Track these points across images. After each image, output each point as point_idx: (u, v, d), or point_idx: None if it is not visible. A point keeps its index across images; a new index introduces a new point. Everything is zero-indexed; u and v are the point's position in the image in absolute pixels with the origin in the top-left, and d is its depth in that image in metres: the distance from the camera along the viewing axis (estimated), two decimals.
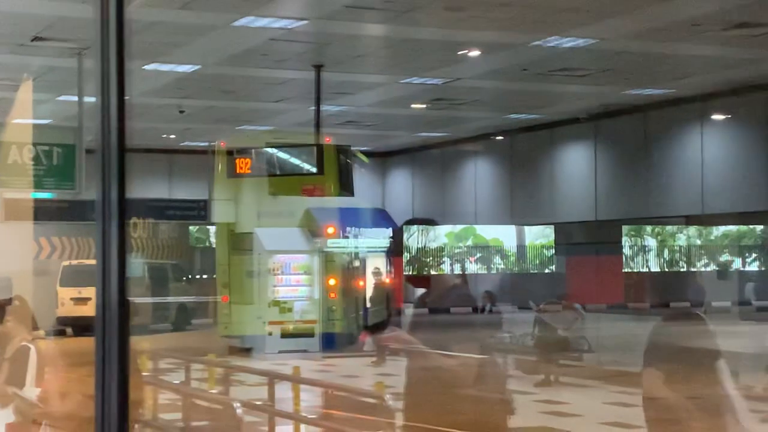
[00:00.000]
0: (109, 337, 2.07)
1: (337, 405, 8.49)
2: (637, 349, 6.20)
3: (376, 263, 22.41)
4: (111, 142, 2.07)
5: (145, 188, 30.22)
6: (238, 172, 20.52)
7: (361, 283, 21.50)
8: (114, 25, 2.05)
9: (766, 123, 21.42)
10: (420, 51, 17.55)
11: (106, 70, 2.05)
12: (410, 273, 27.46)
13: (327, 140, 19.49)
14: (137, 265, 27.34)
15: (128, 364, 2.07)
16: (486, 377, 6.42)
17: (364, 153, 31.52)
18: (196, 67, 18.89)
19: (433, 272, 29.97)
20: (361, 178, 29.03)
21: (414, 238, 30.66)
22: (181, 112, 23.40)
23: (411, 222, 24.04)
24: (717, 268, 26.22)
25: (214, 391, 12.06)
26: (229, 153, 19.69)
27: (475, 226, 31.79)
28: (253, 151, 20.64)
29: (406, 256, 25.69)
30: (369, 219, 27.50)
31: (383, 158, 33.27)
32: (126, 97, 2.07)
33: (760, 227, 30.10)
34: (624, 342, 16.31)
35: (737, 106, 21.88)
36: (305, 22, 15.40)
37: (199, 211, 29.88)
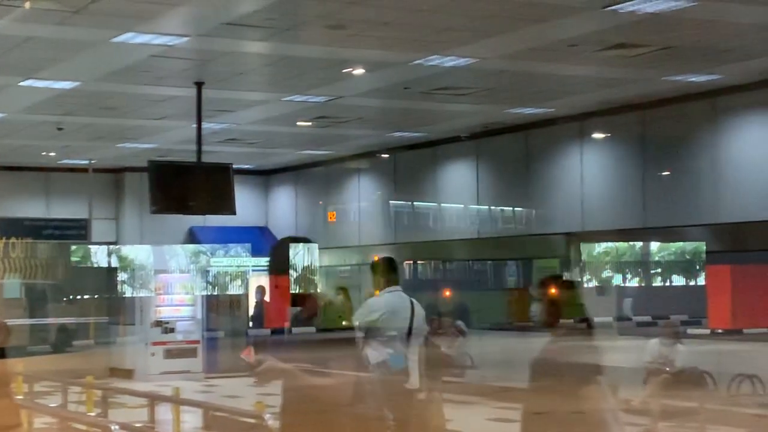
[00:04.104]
0: None
1: (217, 426, 8.39)
2: (519, 366, 6.25)
3: (260, 282, 22.28)
4: None
5: (20, 207, 29.61)
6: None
7: (244, 301, 21.36)
8: None
9: (641, 141, 21.93)
10: (302, 69, 17.54)
11: None
12: (296, 291, 27.28)
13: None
14: (14, 286, 26.70)
15: None
16: (367, 395, 6.40)
17: (248, 171, 31.41)
18: (76, 84, 18.56)
19: (321, 291, 29.80)
20: (245, 196, 28.87)
21: (300, 256, 30.53)
22: (60, 129, 22.96)
23: (284, 240, 23.84)
24: (597, 284, 26.68)
25: (92, 414, 11.81)
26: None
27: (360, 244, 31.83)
28: None
29: (293, 274, 25.52)
30: (251, 238, 27.34)
31: (266, 176, 33.15)
32: None
33: (639, 244, 30.72)
34: (507, 358, 16.50)
35: (614, 125, 22.35)
36: (186, 39, 15.25)
37: (79, 230, 29.37)
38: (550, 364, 6.02)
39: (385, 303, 8.16)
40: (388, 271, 8.62)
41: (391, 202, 28.78)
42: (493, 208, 25.71)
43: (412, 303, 8.28)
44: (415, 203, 27.95)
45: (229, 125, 23.17)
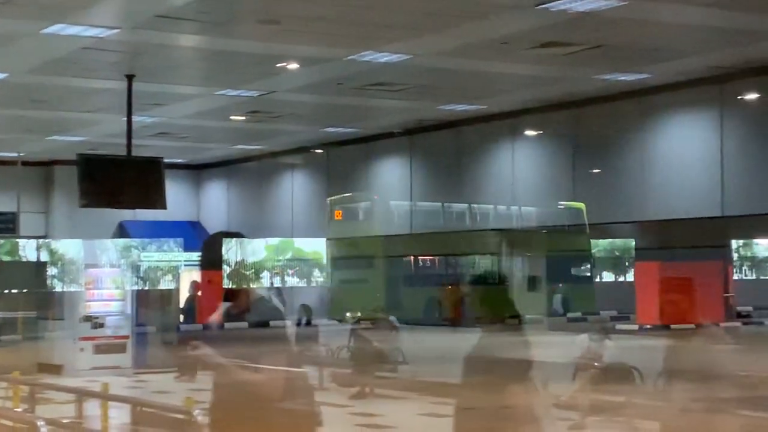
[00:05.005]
0: None
1: (146, 421, 8.33)
2: (451, 361, 6.28)
3: (192, 277, 22.13)
4: None
5: None
6: None
7: (175, 296, 21.21)
8: None
9: (572, 139, 22.14)
10: (235, 63, 17.45)
11: None
12: (229, 287, 27.17)
13: None
14: None
15: None
16: (297, 390, 6.40)
17: (179, 165, 31.19)
18: (4, 75, 18.31)
19: (252, 286, 29.74)
20: (176, 191, 28.68)
21: (233, 251, 30.47)
22: None
23: (217, 235, 24.16)
24: (527, 281, 26.90)
25: (19, 409, 11.63)
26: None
27: (294, 239, 31.78)
28: None
29: (225, 269, 25.46)
30: (183, 232, 27.19)
31: (198, 171, 32.93)
32: None
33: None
34: (439, 354, 16.55)
35: (545, 123, 22.55)
36: (117, 31, 15.09)
37: (7, 224, 28.94)
38: (482, 359, 6.06)
39: None
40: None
41: (324, 197, 28.75)
42: (426, 204, 25.79)
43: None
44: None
45: (160, 119, 22.98)
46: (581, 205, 21.84)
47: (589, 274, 31.56)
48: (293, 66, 17.73)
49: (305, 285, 32.78)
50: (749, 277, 34.23)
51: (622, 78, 19.16)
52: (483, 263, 27.00)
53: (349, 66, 17.60)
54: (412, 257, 31.12)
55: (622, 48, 16.71)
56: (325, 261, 32.28)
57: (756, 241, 34.14)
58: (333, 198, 27.26)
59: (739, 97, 19.08)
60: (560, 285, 28.83)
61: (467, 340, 6.07)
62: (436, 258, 31.28)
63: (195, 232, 30.82)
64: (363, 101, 21.29)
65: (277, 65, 17.67)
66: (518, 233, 24.59)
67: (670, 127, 20.30)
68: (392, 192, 26.59)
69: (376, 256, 28.37)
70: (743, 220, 21.57)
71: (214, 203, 32.86)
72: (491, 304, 6.12)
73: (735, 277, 29.40)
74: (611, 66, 18.10)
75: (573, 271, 30.81)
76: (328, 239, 28.43)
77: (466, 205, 24.35)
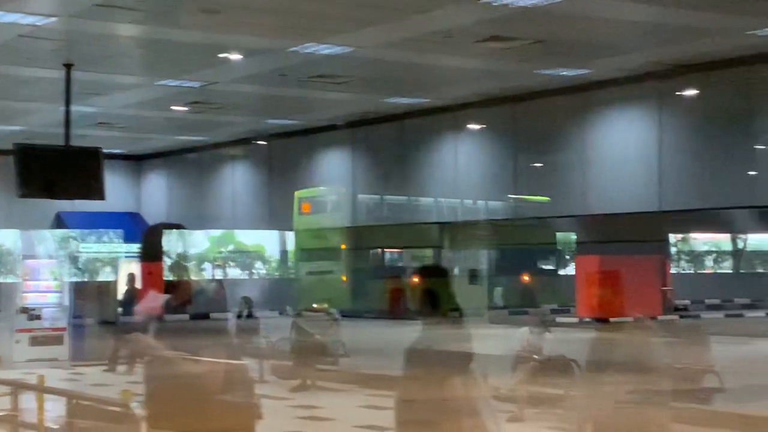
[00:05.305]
0: None
1: (82, 414, 8.23)
2: (391, 354, 6.28)
3: (131, 268, 21.94)
4: None
5: None
6: None
7: (113, 288, 21.02)
8: None
9: (514, 133, 22.24)
10: (176, 53, 17.30)
11: None
12: (170, 279, 27.01)
13: None
14: None
15: None
16: (236, 383, 6.36)
17: (119, 156, 30.88)
18: None
19: (194, 278, 29.62)
20: (116, 181, 28.42)
21: (174, 243, 30.33)
22: None
23: (158, 227, 23.93)
24: (469, 274, 27.03)
25: None
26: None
27: (235, 231, 31.66)
28: None
29: (166, 261, 25.31)
30: (123, 224, 26.94)
31: (138, 162, 32.64)
32: None
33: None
34: (380, 346, 16.57)
35: (488, 117, 22.62)
36: (55, 19, 14.89)
37: None
38: (424, 352, 6.06)
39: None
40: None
41: (266, 189, 28.64)
42: (393, 197, 25.73)
43: None
44: (291, 191, 27.85)
45: (99, 109, 22.72)
46: (546, 199, 21.98)
47: (554, 266, 31.86)
48: (235, 56, 17.63)
49: (247, 277, 32.69)
50: (687, 271, 34.75)
51: (564, 73, 19.27)
52: (445, 256, 27.13)
53: (291, 57, 17.53)
54: (379, 249, 31.30)
55: (563, 43, 16.81)
56: (268, 253, 32.23)
57: (693, 235, 34.66)
58: (300, 191, 27.16)
59: (677, 94, 19.28)
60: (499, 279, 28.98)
61: (410, 332, 6.07)
62: (403, 250, 31.43)
63: (135, 223, 30.56)
64: (306, 93, 21.22)
65: (219, 55, 17.55)
66: (482, 226, 24.63)
67: (610, 123, 20.47)
68: (335, 185, 26.54)
69: (340, 248, 28.41)
70: (680, 214, 21.87)
71: (154, 194, 32.60)
72: (441, 297, 6.11)
73: (673, 271, 29.84)
74: (552, 61, 18.21)
75: (540, 264, 31.07)
76: (296, 231, 28.43)
77: (432, 199, 24.38)
